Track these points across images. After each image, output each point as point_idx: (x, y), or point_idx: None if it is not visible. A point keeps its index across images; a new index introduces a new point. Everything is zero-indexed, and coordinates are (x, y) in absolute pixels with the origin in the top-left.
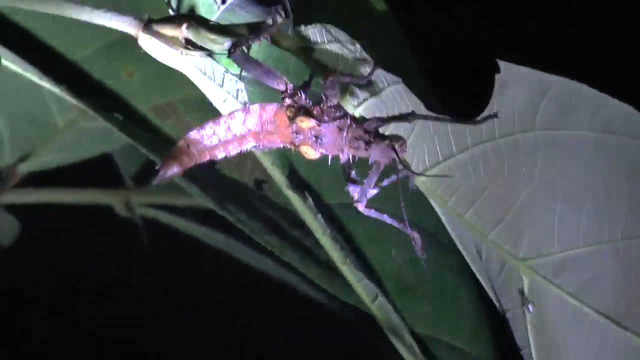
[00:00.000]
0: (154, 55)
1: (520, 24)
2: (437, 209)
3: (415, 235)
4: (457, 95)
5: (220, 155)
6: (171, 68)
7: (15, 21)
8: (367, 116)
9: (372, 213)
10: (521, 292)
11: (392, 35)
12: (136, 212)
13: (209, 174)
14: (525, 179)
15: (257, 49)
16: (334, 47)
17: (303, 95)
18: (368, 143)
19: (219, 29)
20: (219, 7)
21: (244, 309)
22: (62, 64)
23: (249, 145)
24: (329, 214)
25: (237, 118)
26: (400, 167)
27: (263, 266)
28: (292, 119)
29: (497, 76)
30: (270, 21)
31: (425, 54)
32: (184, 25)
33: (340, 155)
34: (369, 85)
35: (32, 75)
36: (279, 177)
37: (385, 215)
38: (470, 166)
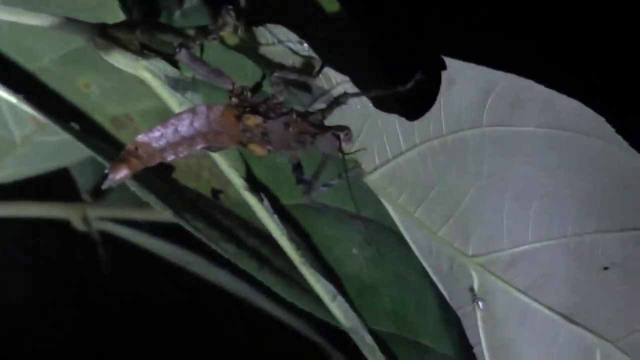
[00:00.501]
0: (110, 61)
1: (475, 23)
2: (388, 207)
3: (360, 223)
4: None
5: (169, 157)
6: (129, 79)
7: None
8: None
9: (320, 205)
10: (471, 289)
11: (350, 35)
12: (93, 226)
13: (165, 184)
14: (473, 176)
15: (213, 53)
16: (283, 47)
17: (249, 94)
18: (313, 135)
19: (173, 32)
20: (175, 11)
21: (201, 322)
22: (18, 74)
23: (198, 146)
24: (287, 215)
25: (184, 119)
26: (342, 156)
27: (222, 281)
28: (239, 118)
29: (443, 73)
30: (220, 22)
31: (384, 53)
32: (139, 29)
33: (287, 151)
34: (315, 78)
35: None
36: (236, 179)
37: (331, 207)
38: (419, 163)
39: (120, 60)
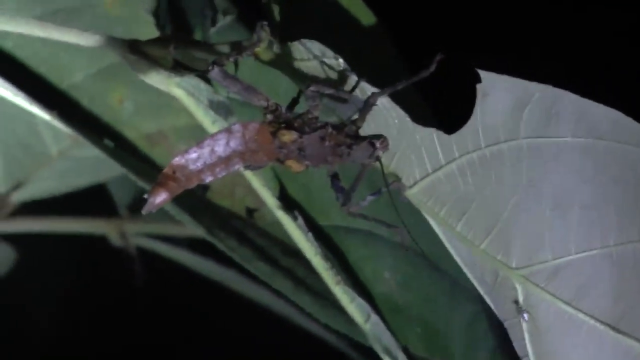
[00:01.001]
0: (142, 78)
1: (507, 34)
2: (430, 221)
3: (399, 231)
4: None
5: (207, 178)
6: (163, 96)
7: (4, 48)
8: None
9: (358, 216)
10: (516, 302)
11: (384, 48)
12: (130, 241)
13: (200, 202)
14: (512, 188)
15: (248, 72)
16: (318, 62)
17: (284, 109)
18: (349, 146)
19: (207, 49)
20: (209, 28)
21: (237, 339)
22: (52, 91)
23: (235, 166)
24: (321, 235)
25: (220, 139)
26: (381, 168)
27: (257, 296)
28: (274, 134)
29: (478, 86)
30: (255, 38)
31: (417, 65)
32: (172, 46)
33: (325, 165)
34: (351, 96)
35: (22, 101)
36: (269, 198)
37: (369, 216)
38: (458, 177)
39: (153, 77)
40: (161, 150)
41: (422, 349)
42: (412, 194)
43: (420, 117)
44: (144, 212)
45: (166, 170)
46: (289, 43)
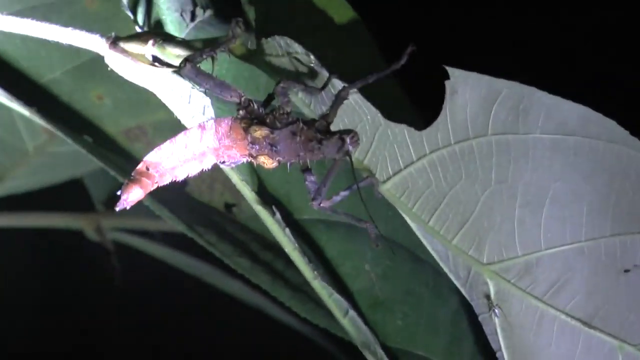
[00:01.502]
0: (121, 74)
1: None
2: (404, 215)
3: (369, 226)
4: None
5: (181, 174)
6: (141, 91)
7: None
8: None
9: (328, 211)
10: (487, 297)
11: (363, 43)
12: (107, 236)
13: (179, 198)
14: (482, 184)
15: (227, 67)
16: (289, 58)
17: (256, 106)
18: (320, 141)
19: (185, 45)
20: (188, 24)
21: (214, 332)
22: (31, 86)
23: (209, 161)
24: (300, 230)
25: (193, 135)
26: (351, 163)
27: (235, 290)
28: (246, 130)
29: (447, 83)
30: (230, 34)
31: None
32: (150, 42)
33: (297, 160)
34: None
35: (1, 97)
36: (248, 193)
37: (339, 211)
38: (429, 172)
39: (131, 73)
40: (141, 146)
41: (403, 341)
42: (386, 189)
43: (394, 111)
44: (117, 208)
45: (140, 166)
46: (263, 40)
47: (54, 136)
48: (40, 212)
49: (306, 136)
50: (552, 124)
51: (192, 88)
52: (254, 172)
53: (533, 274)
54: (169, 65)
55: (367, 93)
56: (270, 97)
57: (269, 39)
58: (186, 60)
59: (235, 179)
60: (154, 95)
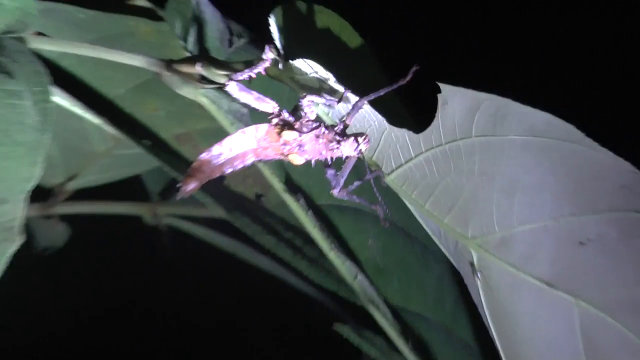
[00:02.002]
0: (174, 89)
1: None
2: (405, 201)
3: (379, 208)
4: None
5: (228, 170)
6: (189, 104)
7: (63, 66)
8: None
9: (345, 197)
10: (471, 264)
11: (369, 65)
12: (161, 221)
13: (219, 189)
14: (467, 176)
15: (258, 83)
16: (313, 77)
17: (287, 114)
18: (339, 142)
19: (226, 67)
20: (227, 50)
21: (244, 297)
22: (100, 100)
23: (250, 159)
24: (318, 212)
25: (237, 138)
26: (363, 159)
27: (262, 263)
28: (279, 134)
29: (439, 95)
30: (264, 57)
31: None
32: (198, 64)
33: (320, 157)
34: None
35: (78, 109)
36: (277, 184)
37: (354, 197)
38: (425, 167)
39: (183, 89)
40: (188, 148)
41: (399, 300)
42: (390, 179)
43: (396, 118)
44: (178, 197)
45: (195, 164)
46: (291, 61)
47: (119, 141)
48: (108, 202)
49: (327, 138)
50: (523, 127)
51: (232, 101)
52: (281, 167)
53: (507, 246)
54: (212, 83)
55: (374, 104)
56: (296, 107)
57: (295, 60)
58: (230, 79)
59: (267, 173)
60: (199, 107)
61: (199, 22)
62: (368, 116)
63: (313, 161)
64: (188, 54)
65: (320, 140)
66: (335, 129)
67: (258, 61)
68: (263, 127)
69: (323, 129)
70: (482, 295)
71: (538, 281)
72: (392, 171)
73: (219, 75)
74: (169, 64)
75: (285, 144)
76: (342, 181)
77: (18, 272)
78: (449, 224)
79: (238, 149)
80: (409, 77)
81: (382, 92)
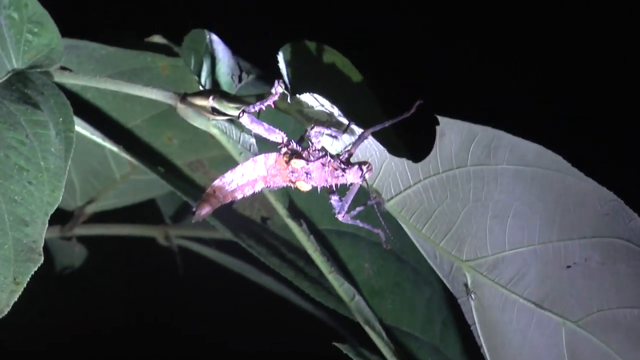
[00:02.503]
0: (188, 120)
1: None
2: (403, 225)
3: (380, 232)
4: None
5: (239, 196)
6: (201, 134)
7: (85, 98)
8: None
9: (350, 221)
10: (465, 285)
11: (367, 98)
12: (173, 242)
13: (228, 213)
14: (462, 203)
15: (267, 115)
16: (319, 109)
17: (295, 144)
18: (343, 170)
19: (237, 100)
20: (237, 85)
21: (249, 313)
22: (119, 130)
23: (259, 186)
24: (319, 236)
25: (248, 166)
26: (366, 186)
27: (267, 283)
28: (288, 162)
29: (437, 127)
30: (273, 91)
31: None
32: (211, 97)
33: (325, 185)
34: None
35: (97, 138)
36: (281, 209)
37: (357, 221)
38: (423, 193)
39: (196, 120)
40: (200, 175)
41: (392, 320)
42: (390, 205)
43: (395, 149)
44: (193, 221)
45: (208, 190)
46: (298, 95)
47: (136, 167)
48: (124, 224)
49: (333, 166)
50: (514, 157)
51: (241, 132)
52: (285, 194)
53: (499, 268)
54: (223, 115)
55: (375, 135)
56: (303, 137)
57: (302, 95)
58: (243, 111)
59: (272, 199)
60: (211, 136)
61: (211, 58)
62: (369, 146)
63: (319, 188)
64: (201, 88)
65: (326, 168)
66: (340, 157)
67: (268, 95)
68: (272, 156)
69: (329, 158)
70: (475, 315)
71: (527, 302)
72: (392, 197)
73: (229, 108)
74: (184, 96)
75: (293, 171)
76: (346, 206)
77: (39, 290)
78: (445, 247)
79: (249, 176)
80: (412, 111)
81: (386, 124)
